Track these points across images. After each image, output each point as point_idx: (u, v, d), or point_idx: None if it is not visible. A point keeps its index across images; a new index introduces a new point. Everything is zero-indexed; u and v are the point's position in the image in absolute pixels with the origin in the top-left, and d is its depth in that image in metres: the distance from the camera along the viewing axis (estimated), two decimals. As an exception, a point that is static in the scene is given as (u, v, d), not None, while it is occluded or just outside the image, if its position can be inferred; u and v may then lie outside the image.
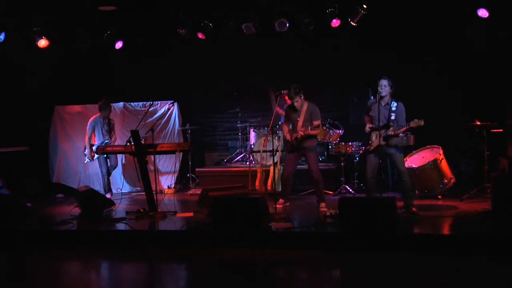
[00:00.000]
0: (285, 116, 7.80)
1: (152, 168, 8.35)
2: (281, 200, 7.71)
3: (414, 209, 6.86)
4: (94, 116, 9.32)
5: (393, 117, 6.80)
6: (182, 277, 5.52)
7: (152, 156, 7.87)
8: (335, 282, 5.22)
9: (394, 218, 5.77)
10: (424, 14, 8.84)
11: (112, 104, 10.25)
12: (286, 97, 7.64)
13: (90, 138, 9.24)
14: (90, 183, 9.79)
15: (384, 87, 6.84)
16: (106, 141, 9.16)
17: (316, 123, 7.35)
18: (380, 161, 7.07)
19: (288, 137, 7.61)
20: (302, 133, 7.37)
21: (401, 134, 6.89)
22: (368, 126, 7.03)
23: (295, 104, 7.49)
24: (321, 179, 7.55)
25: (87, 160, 9.39)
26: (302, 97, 7.47)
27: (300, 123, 7.47)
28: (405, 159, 7.33)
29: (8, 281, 5.31)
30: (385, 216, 5.75)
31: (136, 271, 5.65)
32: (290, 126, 7.69)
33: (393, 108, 6.82)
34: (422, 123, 6.53)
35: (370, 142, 6.98)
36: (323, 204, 7.43)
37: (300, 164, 8.69)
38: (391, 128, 6.75)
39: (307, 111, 7.49)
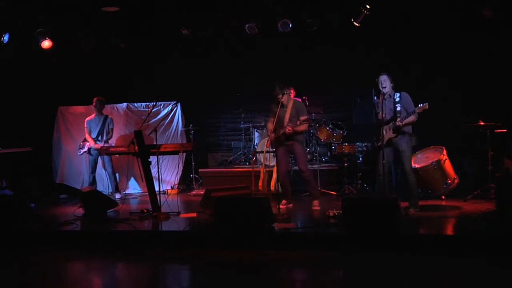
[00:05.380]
0: (272, 112, 7.67)
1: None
2: (283, 201, 7.71)
3: (412, 211, 6.83)
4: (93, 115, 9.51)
5: (398, 108, 6.75)
6: (185, 277, 5.52)
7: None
8: (338, 283, 5.21)
9: (398, 219, 5.75)
10: (425, 14, 8.82)
11: (115, 105, 10.35)
12: (292, 95, 7.72)
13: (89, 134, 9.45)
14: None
15: (384, 81, 6.82)
16: (98, 139, 9.30)
17: (303, 118, 7.41)
18: (384, 161, 7.05)
19: (271, 135, 7.52)
20: (290, 129, 7.34)
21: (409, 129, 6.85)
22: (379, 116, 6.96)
23: (282, 100, 7.46)
24: (312, 176, 7.63)
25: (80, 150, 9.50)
26: (289, 93, 7.56)
27: (286, 119, 7.48)
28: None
29: (12, 281, 5.31)
30: (389, 216, 5.74)
31: (139, 271, 5.64)
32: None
33: (397, 99, 6.78)
34: (427, 106, 6.49)
35: (380, 137, 6.86)
36: (315, 202, 7.47)
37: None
38: (398, 119, 6.71)
39: (293, 108, 7.53)
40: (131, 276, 5.59)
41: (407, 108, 6.74)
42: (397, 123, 6.72)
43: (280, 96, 7.41)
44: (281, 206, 7.36)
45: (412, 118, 6.69)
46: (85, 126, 9.44)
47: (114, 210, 7.85)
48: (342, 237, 5.89)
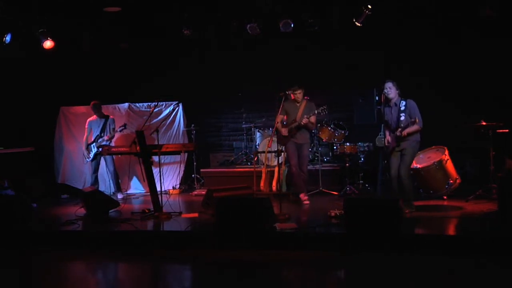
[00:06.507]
0: (282, 109, 7.99)
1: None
2: (302, 195, 7.98)
3: (408, 211, 6.80)
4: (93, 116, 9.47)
5: (402, 118, 6.74)
6: (187, 277, 5.52)
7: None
8: (339, 283, 5.22)
9: (399, 219, 5.75)
10: (426, 13, 8.81)
11: (117, 105, 10.37)
12: (293, 96, 7.98)
13: (87, 137, 9.43)
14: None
15: (390, 89, 6.84)
16: (99, 139, 9.26)
17: (313, 116, 7.88)
18: (385, 161, 7.04)
19: (282, 131, 7.95)
20: (306, 120, 7.75)
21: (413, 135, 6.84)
22: (387, 139, 7.00)
23: (297, 97, 7.96)
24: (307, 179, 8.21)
25: (86, 160, 9.46)
26: (302, 93, 8.01)
27: (299, 115, 7.90)
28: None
29: (12, 281, 5.32)
30: (390, 217, 5.74)
31: (141, 271, 5.65)
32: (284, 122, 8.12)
33: (402, 108, 6.77)
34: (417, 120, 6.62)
35: (387, 143, 6.95)
36: (303, 195, 8.00)
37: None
38: (399, 129, 6.72)
39: (306, 107, 7.96)
40: (132, 276, 5.59)
41: (412, 117, 6.72)
42: (397, 134, 6.72)
43: (295, 93, 7.91)
44: (304, 201, 7.86)
45: (415, 127, 6.69)
46: (86, 126, 9.44)
47: (116, 210, 7.86)
48: (343, 237, 5.88)
